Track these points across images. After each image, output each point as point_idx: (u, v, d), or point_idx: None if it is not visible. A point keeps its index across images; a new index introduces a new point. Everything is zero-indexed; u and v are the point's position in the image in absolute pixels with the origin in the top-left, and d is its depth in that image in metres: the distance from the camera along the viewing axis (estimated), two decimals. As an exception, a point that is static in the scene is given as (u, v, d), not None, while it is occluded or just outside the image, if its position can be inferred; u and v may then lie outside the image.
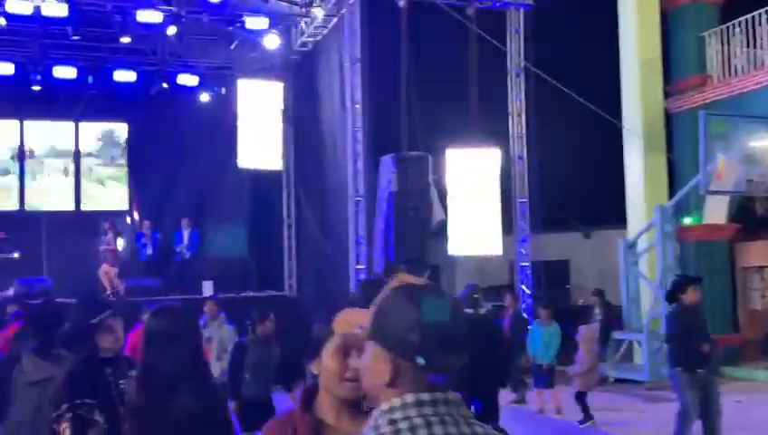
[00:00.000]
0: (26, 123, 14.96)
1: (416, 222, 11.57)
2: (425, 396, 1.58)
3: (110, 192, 15.29)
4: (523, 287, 13.76)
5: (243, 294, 13.56)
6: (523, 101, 13.93)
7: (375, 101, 12.59)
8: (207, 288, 13.01)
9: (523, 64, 13.76)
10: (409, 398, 1.59)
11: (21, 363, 4.35)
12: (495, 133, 13.65)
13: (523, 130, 13.99)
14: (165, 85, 14.40)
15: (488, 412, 7.27)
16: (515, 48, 13.85)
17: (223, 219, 15.46)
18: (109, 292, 13.21)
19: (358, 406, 2.17)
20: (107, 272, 13.51)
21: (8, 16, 12.06)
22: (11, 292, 11.88)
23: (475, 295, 8.32)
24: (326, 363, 2.17)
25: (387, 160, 11.70)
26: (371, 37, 12.46)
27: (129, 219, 14.61)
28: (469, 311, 7.70)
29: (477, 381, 6.44)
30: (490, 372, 7.27)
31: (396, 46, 12.50)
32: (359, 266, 12.03)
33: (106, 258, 13.60)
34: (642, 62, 13.75)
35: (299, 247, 15.67)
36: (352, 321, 2.47)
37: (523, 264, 13.92)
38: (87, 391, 3.52)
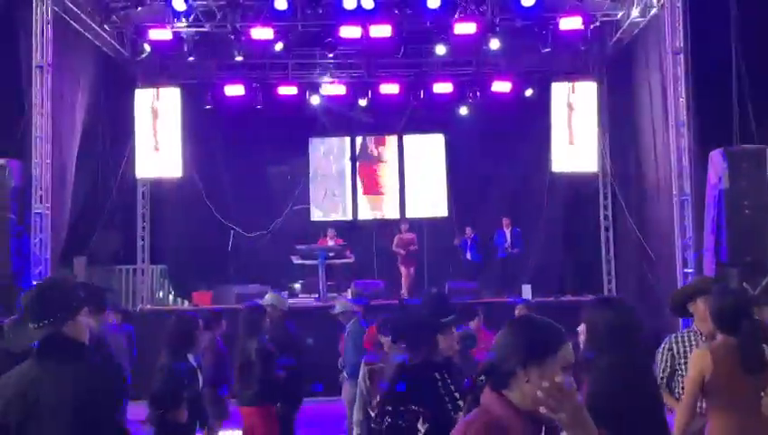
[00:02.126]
0: (356, 139, 16.40)
1: (751, 222, 10.57)
2: None
3: (431, 200, 16.10)
4: None
5: (561, 299, 13.41)
6: None
7: (700, 92, 11.70)
8: (526, 292, 13.08)
9: None
10: None
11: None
12: None
13: None
14: (479, 93, 14.80)
15: None
16: None
17: (539, 222, 15.44)
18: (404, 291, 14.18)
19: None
20: (403, 272, 14.48)
21: (340, 41, 13.18)
22: (348, 293, 13.00)
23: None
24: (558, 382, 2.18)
25: (716, 155, 10.83)
26: (694, 24, 11.61)
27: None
28: None
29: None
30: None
31: (723, 31, 11.50)
32: (687, 270, 11.24)
33: (401, 260, 14.54)
34: None
35: (617, 250, 15.16)
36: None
37: None
38: (414, 398, 3.36)
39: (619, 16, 13.32)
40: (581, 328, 3.57)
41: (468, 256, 14.68)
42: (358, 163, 16.41)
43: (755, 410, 3.87)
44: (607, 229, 15.35)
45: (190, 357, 5.87)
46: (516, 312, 8.95)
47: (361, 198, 16.36)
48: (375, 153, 16.52)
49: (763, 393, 3.84)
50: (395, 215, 16.13)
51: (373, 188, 16.40)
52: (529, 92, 14.84)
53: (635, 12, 12.75)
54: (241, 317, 6.74)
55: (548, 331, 2.34)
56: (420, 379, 3.41)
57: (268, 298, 7.46)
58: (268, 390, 6.43)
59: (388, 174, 16.37)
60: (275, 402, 6.51)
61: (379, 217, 16.24)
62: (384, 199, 16.41)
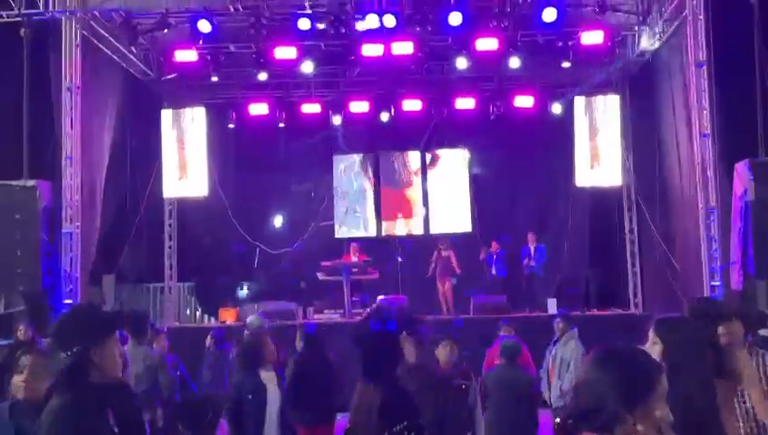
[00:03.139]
0: (379, 155, 16.48)
1: (779, 233, 10.47)
2: None
3: (455, 215, 16.11)
4: None
5: (587, 313, 13.34)
6: None
7: (724, 103, 11.64)
8: (552, 306, 13.03)
9: None
10: None
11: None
12: None
13: None
14: (502, 108, 14.82)
15: None
16: None
17: (563, 237, 15.40)
18: (444, 307, 14.24)
19: None
20: (439, 289, 14.50)
21: (363, 59, 13.26)
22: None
23: None
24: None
25: (741, 167, 10.77)
26: (717, 36, 11.57)
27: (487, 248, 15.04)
28: None
29: None
30: None
31: (746, 42, 11.45)
32: (714, 283, 11.15)
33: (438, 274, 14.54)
34: None
35: (643, 264, 15.06)
36: None
37: None
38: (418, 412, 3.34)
39: (640, 30, 13.28)
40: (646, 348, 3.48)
41: (494, 271, 14.65)
42: (381, 186, 16.45)
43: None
44: (632, 243, 15.27)
45: (262, 373, 5.83)
46: (555, 326, 8.85)
47: (385, 214, 16.41)
48: (398, 171, 16.56)
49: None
50: (420, 231, 16.18)
51: (397, 210, 16.43)
52: (557, 108, 14.84)
53: (646, 42, 12.75)
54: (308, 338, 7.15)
55: (645, 364, 2.14)
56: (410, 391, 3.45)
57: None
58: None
59: (411, 192, 16.40)
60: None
61: (402, 233, 16.26)
62: (409, 216, 16.45)
